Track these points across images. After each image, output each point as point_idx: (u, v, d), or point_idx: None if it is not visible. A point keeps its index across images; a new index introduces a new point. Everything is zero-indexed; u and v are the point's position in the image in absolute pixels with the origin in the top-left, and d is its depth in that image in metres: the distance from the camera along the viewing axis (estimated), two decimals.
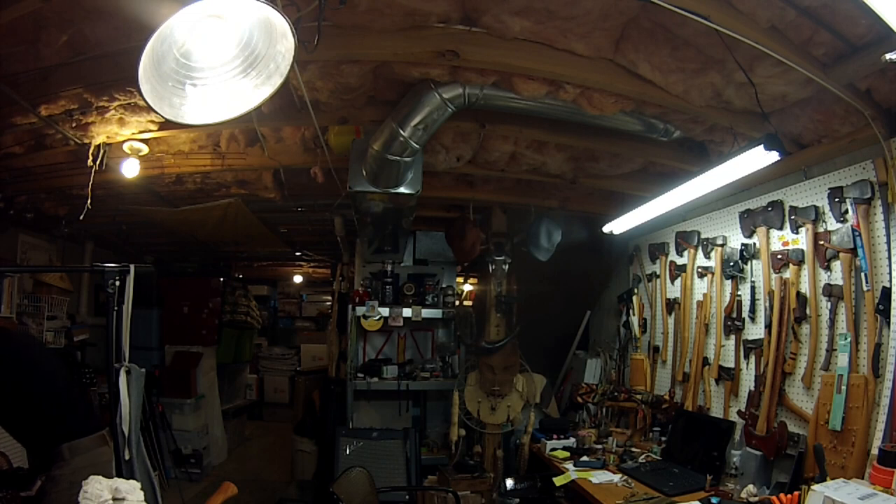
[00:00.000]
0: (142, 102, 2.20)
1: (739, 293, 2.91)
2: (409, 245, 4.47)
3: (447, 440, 3.87)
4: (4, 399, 2.17)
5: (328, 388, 4.63)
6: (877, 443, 1.99)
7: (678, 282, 3.48)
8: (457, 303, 4.52)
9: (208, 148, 3.07)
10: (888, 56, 1.58)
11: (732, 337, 2.93)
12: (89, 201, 2.96)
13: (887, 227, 2.10)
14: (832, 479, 1.96)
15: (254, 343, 7.50)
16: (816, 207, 2.44)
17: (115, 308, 1.82)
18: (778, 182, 2.68)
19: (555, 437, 3.50)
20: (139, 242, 5.69)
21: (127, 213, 4.16)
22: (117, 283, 1.82)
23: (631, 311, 4.02)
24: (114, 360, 1.83)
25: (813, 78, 1.85)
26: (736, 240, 2.97)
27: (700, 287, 3.27)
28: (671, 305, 3.55)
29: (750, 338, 2.82)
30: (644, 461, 3.06)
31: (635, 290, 4.02)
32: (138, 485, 1.59)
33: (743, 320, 2.86)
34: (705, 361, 3.14)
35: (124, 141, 2.70)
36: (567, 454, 3.27)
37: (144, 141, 2.77)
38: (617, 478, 2.83)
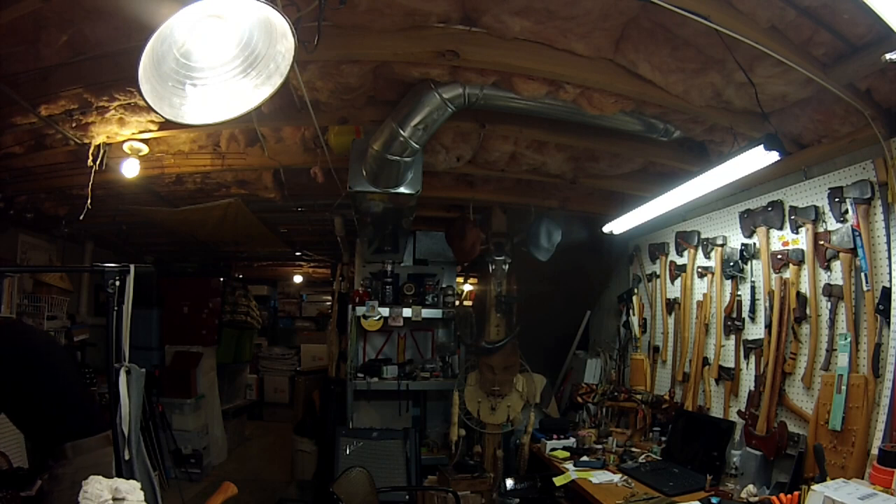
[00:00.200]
0: (142, 102, 2.20)
1: (739, 293, 2.91)
2: (409, 245, 4.47)
3: (447, 440, 3.87)
4: (14, 391, 2.18)
5: (328, 388, 4.63)
6: (877, 443, 1.99)
7: (678, 282, 3.48)
8: (457, 303, 4.52)
9: (208, 148, 3.07)
10: (888, 56, 1.58)
11: (732, 337, 2.93)
12: (89, 201, 2.96)
13: (887, 227, 2.10)
14: (832, 479, 1.96)
15: (254, 343, 7.50)
16: (816, 207, 2.44)
17: (115, 308, 1.82)
18: (778, 182, 2.68)
19: (555, 437, 3.50)
20: (139, 242, 5.69)
21: (127, 213, 4.16)
22: (117, 283, 1.82)
23: (631, 311, 4.02)
24: (114, 360, 1.83)
25: (813, 78, 1.85)
26: (736, 240, 2.97)
27: (700, 287, 3.27)
28: (671, 305, 3.55)
29: (750, 338, 2.82)
30: (644, 461, 3.06)
31: (635, 290, 4.02)
32: (138, 485, 1.59)
33: (743, 320, 2.86)
34: (705, 361, 3.14)
35: (124, 141, 2.70)
36: (567, 454, 3.27)
37: (144, 141, 2.77)
38: (617, 478, 2.83)
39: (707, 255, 3.21)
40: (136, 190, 3.51)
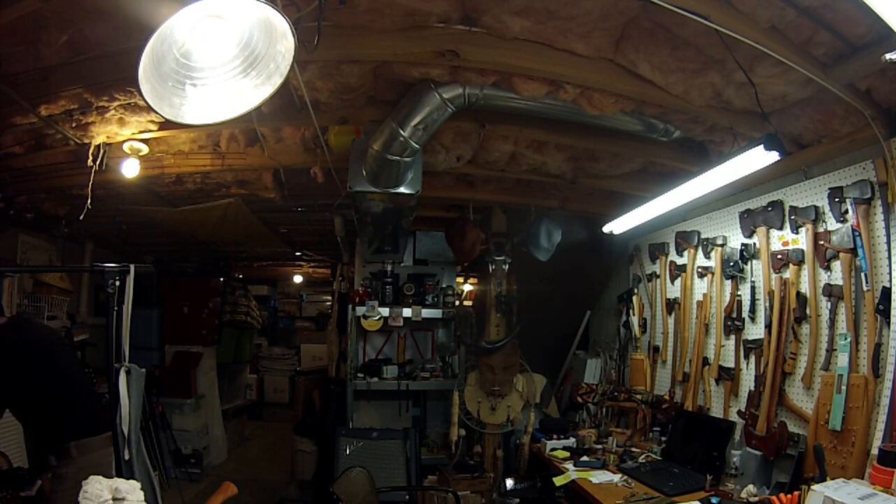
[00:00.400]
0: (142, 102, 2.20)
1: (739, 293, 2.91)
2: (409, 245, 4.47)
3: (447, 440, 3.87)
4: (22, 388, 2.18)
5: (328, 388, 4.63)
6: (877, 443, 1.99)
7: (678, 282, 3.48)
8: (457, 303, 4.52)
9: (208, 148, 3.07)
10: (888, 56, 1.58)
11: (732, 337, 2.93)
12: (89, 201, 2.96)
13: (887, 227, 2.10)
14: (832, 479, 1.96)
15: (254, 343, 7.50)
16: (816, 207, 2.44)
17: (115, 308, 1.82)
18: (778, 182, 2.68)
19: (555, 437, 3.50)
20: (139, 242, 5.69)
21: (127, 213, 4.16)
22: (117, 283, 1.82)
23: (631, 311, 4.02)
24: (114, 360, 1.83)
25: (813, 78, 1.85)
26: (736, 240, 2.97)
27: (700, 287, 3.27)
28: (671, 305, 3.55)
29: (750, 338, 2.82)
30: (644, 461, 3.06)
31: (635, 290, 4.02)
32: (138, 485, 1.60)
33: (743, 320, 2.86)
34: (705, 361, 3.14)
35: (124, 141, 2.70)
36: (567, 454, 3.27)
37: (144, 141, 2.77)
38: (617, 478, 2.83)
39: (707, 255, 3.21)
40: (136, 190, 3.51)
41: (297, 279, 9.79)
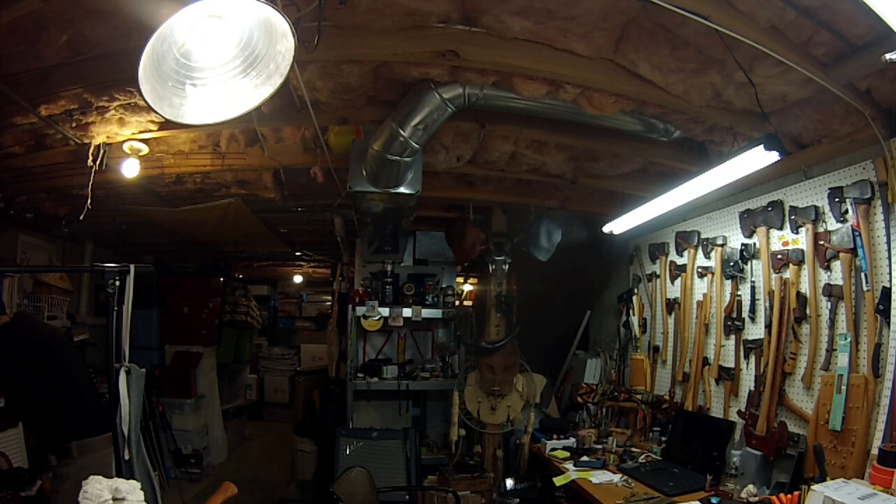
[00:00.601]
0: (142, 102, 2.20)
1: (739, 293, 2.91)
2: (409, 245, 4.47)
3: (447, 440, 3.86)
4: (24, 387, 2.19)
5: (328, 388, 4.63)
6: (877, 443, 1.99)
7: (678, 282, 3.48)
8: (457, 303, 4.52)
9: (208, 148, 3.07)
10: (888, 56, 1.58)
11: (732, 337, 2.93)
12: (89, 201, 2.96)
13: (887, 227, 2.10)
14: (832, 479, 1.96)
15: (254, 343, 7.50)
16: (816, 207, 2.44)
17: (115, 308, 1.82)
18: (778, 182, 2.68)
19: (555, 437, 3.50)
20: (139, 242, 5.69)
21: (127, 213, 4.16)
22: (117, 283, 1.82)
23: (631, 311, 4.02)
24: (114, 360, 1.83)
25: (813, 78, 1.85)
26: (736, 240, 2.97)
27: (700, 287, 3.27)
28: (671, 305, 3.55)
29: (750, 338, 2.82)
30: (644, 461, 3.06)
31: (635, 290, 4.02)
32: (138, 485, 1.60)
33: (743, 320, 2.86)
34: (705, 361, 3.14)
35: (124, 141, 2.70)
36: (567, 454, 3.27)
37: (144, 141, 2.77)
38: (617, 478, 2.83)
39: (707, 255, 3.21)
40: (136, 190, 3.51)
41: (297, 279, 9.79)
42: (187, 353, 5.56)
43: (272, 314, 9.94)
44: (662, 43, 1.91)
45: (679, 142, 2.74)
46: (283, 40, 1.21)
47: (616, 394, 3.77)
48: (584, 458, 3.15)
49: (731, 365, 2.92)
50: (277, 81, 1.24)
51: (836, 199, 2.33)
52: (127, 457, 1.83)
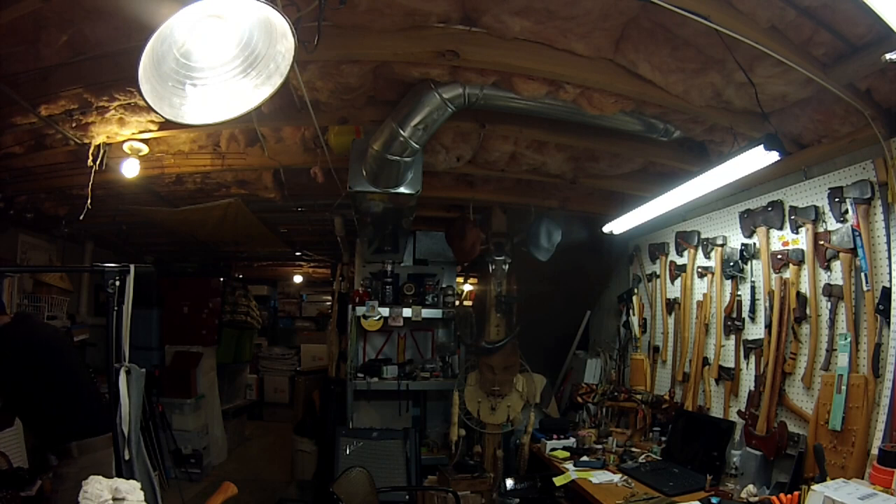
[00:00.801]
0: (142, 102, 2.20)
1: (739, 293, 2.91)
2: (409, 245, 4.47)
3: (447, 440, 3.86)
4: (24, 387, 2.19)
5: (328, 388, 4.63)
6: (877, 443, 1.99)
7: (678, 282, 3.48)
8: (457, 303, 4.52)
9: (208, 148, 3.07)
10: (888, 56, 1.58)
11: (732, 337, 2.93)
12: (89, 201, 2.96)
13: (887, 227, 2.10)
14: (832, 479, 1.96)
15: (254, 343, 7.50)
16: (816, 207, 2.44)
17: (115, 308, 1.82)
18: (778, 182, 2.68)
19: (555, 437, 3.50)
20: (139, 242, 5.69)
21: (127, 213, 4.16)
22: (117, 283, 1.82)
23: (631, 311, 4.02)
24: (114, 360, 1.83)
25: (813, 78, 1.85)
26: (736, 240, 2.97)
27: (700, 287, 3.27)
28: (671, 305, 3.55)
29: (750, 338, 2.82)
30: (644, 461, 3.06)
31: (635, 290, 4.02)
32: (138, 485, 1.60)
33: (743, 320, 2.86)
34: (705, 361, 3.14)
35: (124, 141, 2.70)
36: (567, 454, 3.27)
37: (144, 141, 2.77)
38: (617, 478, 2.83)
39: (707, 255, 3.21)
40: (136, 190, 3.52)
41: (297, 279, 9.79)
42: (187, 353, 5.56)
43: (272, 314, 9.94)
44: (662, 43, 1.91)
45: (679, 142, 2.74)
46: (283, 40, 1.21)
47: (616, 394, 3.77)
48: (584, 458, 3.15)
49: (731, 365, 2.92)
50: (277, 81, 1.24)
51: (836, 199, 2.33)
52: (127, 457, 1.83)
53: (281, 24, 1.17)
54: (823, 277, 2.40)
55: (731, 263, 2.94)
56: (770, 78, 1.97)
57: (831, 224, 2.38)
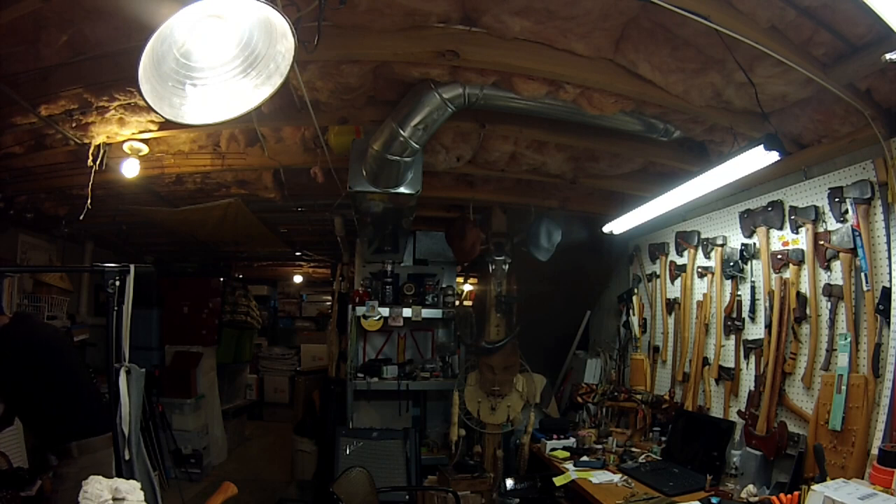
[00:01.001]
0: (142, 102, 2.20)
1: (739, 293, 2.91)
2: (409, 245, 4.47)
3: (447, 440, 3.86)
4: (24, 387, 2.19)
5: (328, 388, 4.63)
6: (877, 443, 1.99)
7: (678, 282, 3.48)
8: (457, 303, 4.52)
9: (208, 148, 3.07)
10: (888, 56, 1.58)
11: (732, 337, 2.93)
12: (89, 201, 2.96)
13: (887, 227, 2.10)
14: (832, 479, 1.96)
15: (254, 343, 7.50)
16: (816, 207, 2.44)
17: (115, 308, 1.82)
18: (778, 182, 2.68)
19: (555, 437, 3.50)
20: (139, 242, 5.69)
21: (127, 213, 4.16)
22: (117, 283, 1.82)
23: (631, 311, 4.02)
24: (114, 360, 1.83)
25: (813, 78, 1.85)
26: (736, 240, 2.97)
27: (700, 287, 3.27)
28: (671, 305, 3.55)
29: (750, 338, 2.82)
30: (644, 461, 3.06)
31: (635, 290, 4.02)
32: (138, 485, 1.60)
33: (743, 320, 2.86)
34: (705, 361, 3.14)
35: (124, 141, 2.70)
36: (567, 454, 3.27)
37: (144, 141, 2.77)
38: (617, 478, 2.83)
39: (707, 255, 3.21)
40: (136, 190, 3.52)
41: (297, 279, 9.79)
42: (187, 353, 5.56)
43: (272, 314, 9.95)
44: (662, 43, 1.91)
45: (679, 142, 2.74)
46: (283, 40, 1.21)
47: (616, 394, 3.77)
48: (584, 458, 3.15)
49: (731, 365, 2.92)
50: (277, 81, 1.24)
51: (836, 199, 2.33)
52: (127, 457, 1.83)
53: (281, 24, 1.17)
54: (823, 277, 2.40)
55: (731, 263, 2.94)
56: (770, 78, 1.97)
57: (831, 224, 2.38)
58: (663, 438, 3.28)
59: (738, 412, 2.81)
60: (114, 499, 1.52)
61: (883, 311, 2.07)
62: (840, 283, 2.30)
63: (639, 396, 3.61)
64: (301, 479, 4.91)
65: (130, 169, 2.87)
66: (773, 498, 2.08)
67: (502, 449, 3.84)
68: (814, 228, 2.43)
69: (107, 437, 2.08)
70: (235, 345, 6.44)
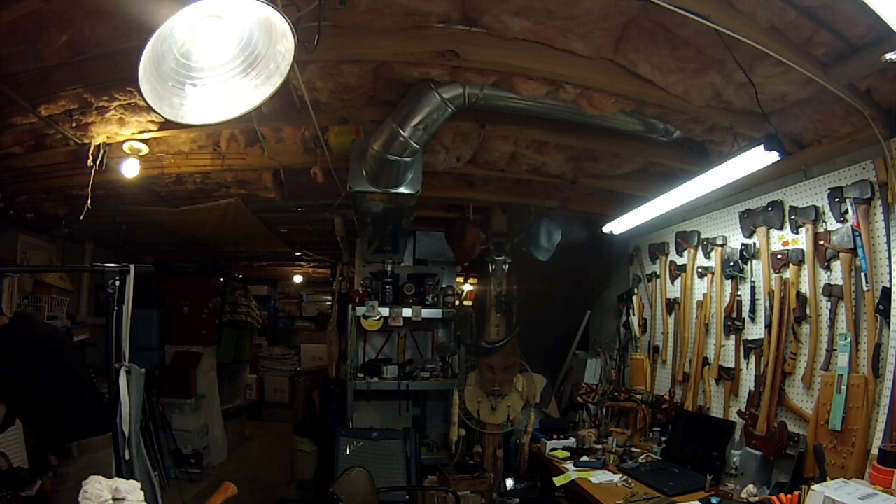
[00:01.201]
0: (142, 102, 2.20)
1: (739, 293, 2.91)
2: (409, 245, 4.47)
3: (447, 440, 3.87)
4: (24, 387, 2.19)
5: (328, 388, 4.63)
6: (877, 443, 1.99)
7: (678, 282, 3.48)
8: (457, 303, 4.52)
9: (208, 148, 3.07)
10: (888, 56, 1.58)
11: (732, 337, 2.93)
12: (89, 201, 2.96)
13: (887, 227, 2.10)
14: (832, 479, 1.96)
15: (254, 343, 7.50)
16: (816, 207, 2.44)
17: (115, 308, 1.82)
18: (778, 182, 2.68)
19: (555, 437, 3.50)
20: (139, 242, 5.69)
21: (127, 213, 4.16)
22: (117, 283, 1.82)
23: (631, 311, 4.02)
24: (114, 360, 1.83)
25: (813, 78, 1.85)
26: (736, 240, 2.97)
27: (700, 287, 3.27)
28: (671, 305, 3.55)
29: (750, 338, 2.82)
30: (644, 461, 3.06)
31: (635, 290, 4.02)
32: (138, 485, 1.60)
33: (743, 320, 2.86)
34: (705, 361, 3.14)
35: (124, 141, 2.70)
36: (567, 454, 3.27)
37: (144, 141, 2.77)
38: (617, 478, 2.83)
39: (707, 255, 3.21)
40: (136, 190, 3.52)
41: (297, 279, 9.79)
42: (187, 353, 5.56)
43: (272, 314, 9.95)
44: (662, 43, 1.91)
45: (679, 142, 2.74)
46: (283, 40, 1.21)
47: (616, 394, 3.77)
48: (584, 458, 3.15)
49: (731, 365, 2.92)
50: (277, 81, 1.24)
51: (836, 199, 2.33)
52: (127, 457, 1.83)
53: (281, 24, 1.17)
54: (823, 277, 2.40)
55: (731, 263, 2.94)
56: (770, 78, 1.97)
57: (831, 224, 2.38)
58: (663, 438, 3.28)
59: (738, 412, 2.81)
60: (114, 499, 1.52)
61: (883, 311, 2.07)
62: (840, 283, 2.30)
63: (639, 396, 3.61)
64: (301, 479, 4.91)
65: (130, 169, 2.87)
66: (773, 498, 2.08)
67: (502, 449, 3.84)
68: (814, 228, 2.43)
69: (107, 437, 2.08)
70: (235, 345, 6.44)
